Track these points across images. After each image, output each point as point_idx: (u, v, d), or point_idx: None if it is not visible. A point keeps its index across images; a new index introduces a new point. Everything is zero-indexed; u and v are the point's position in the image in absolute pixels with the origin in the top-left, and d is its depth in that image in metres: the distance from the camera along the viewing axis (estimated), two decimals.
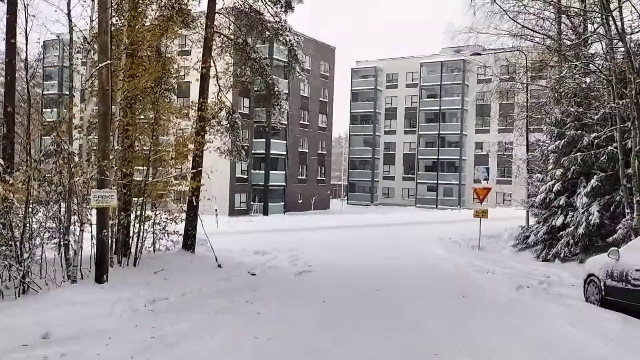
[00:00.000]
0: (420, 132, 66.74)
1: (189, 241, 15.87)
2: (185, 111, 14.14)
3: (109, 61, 9.16)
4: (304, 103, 55.80)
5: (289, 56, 17.00)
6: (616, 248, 9.43)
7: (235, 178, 48.67)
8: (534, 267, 17.06)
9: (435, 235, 26.45)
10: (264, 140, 50.48)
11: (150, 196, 13.59)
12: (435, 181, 64.78)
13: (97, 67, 9.17)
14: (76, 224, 9.82)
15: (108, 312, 8.37)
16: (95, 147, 11.40)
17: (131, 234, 13.60)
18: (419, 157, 66.83)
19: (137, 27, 12.05)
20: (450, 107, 64.90)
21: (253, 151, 50.33)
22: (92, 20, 9.51)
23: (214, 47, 16.49)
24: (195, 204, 15.12)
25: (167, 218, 15.64)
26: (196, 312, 9.04)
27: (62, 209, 9.84)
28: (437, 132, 65.06)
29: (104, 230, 9.71)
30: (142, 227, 13.16)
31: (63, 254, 10.04)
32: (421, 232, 29.60)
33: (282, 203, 52.30)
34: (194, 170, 14.59)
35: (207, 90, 15.67)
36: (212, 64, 16.40)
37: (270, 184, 50.70)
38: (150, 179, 13.17)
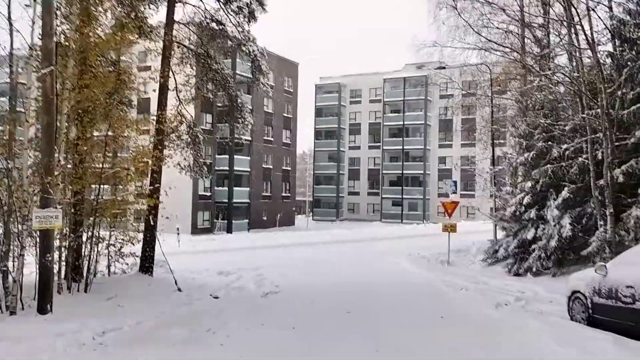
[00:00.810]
0: (384, 147, 66.82)
1: (146, 263, 14.83)
2: (143, 126, 13.18)
3: (51, 67, 8.24)
4: (267, 119, 55.06)
5: (252, 67, 16.30)
6: (603, 263, 8.96)
7: (198, 195, 47.34)
8: (507, 282, 16.65)
9: (403, 250, 26.02)
10: (227, 156, 49.40)
11: (103, 216, 12.54)
12: (400, 196, 64.78)
13: (40, 74, 8.24)
14: (16, 248, 8.75)
15: (48, 348, 7.36)
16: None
17: (83, 257, 12.53)
18: (384, 172, 66.83)
19: (87, 33, 11.12)
20: (413, 122, 65.29)
21: (216, 168, 49.14)
22: (33, 23, 8.60)
23: (173, 58, 15.66)
24: (152, 223, 14.12)
25: (122, 239, 14.66)
26: (152, 346, 8.08)
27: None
28: (401, 147, 65.26)
29: (48, 255, 8.70)
30: (93, 249, 12.09)
31: (1, 282, 8.94)
32: (389, 247, 29.15)
33: (247, 220, 51.15)
34: (151, 187, 13.60)
35: (165, 103, 14.80)
36: (171, 75, 15.55)
37: (234, 200, 49.53)
38: (102, 197, 12.12)
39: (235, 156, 49.55)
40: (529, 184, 18.11)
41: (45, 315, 8.70)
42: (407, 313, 11.20)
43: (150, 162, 13.32)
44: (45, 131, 8.54)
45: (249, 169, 51.37)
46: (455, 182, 23.90)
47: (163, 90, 14.79)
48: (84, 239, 12.43)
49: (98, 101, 11.66)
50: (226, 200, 49.20)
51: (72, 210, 12.00)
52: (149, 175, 14.73)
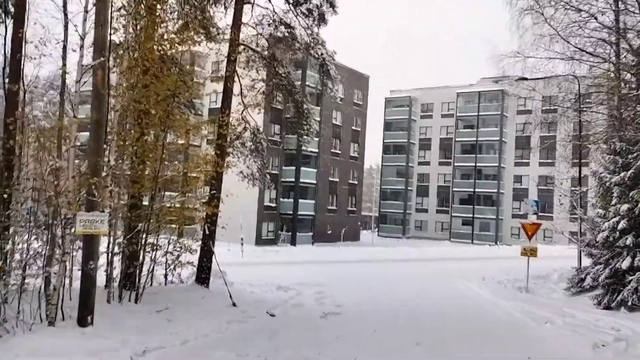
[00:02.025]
0: (455, 164, 64.29)
1: (202, 274, 14.14)
2: (205, 130, 12.52)
3: (102, 59, 7.64)
4: (336, 131, 54.32)
5: (320, 72, 15.41)
6: None
7: (263, 206, 47.12)
8: (597, 316, 14.64)
9: (475, 273, 24.16)
10: (294, 168, 48.97)
11: (158, 222, 11.93)
12: (471, 215, 61.90)
13: (90, 65, 7.66)
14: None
15: None
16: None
17: (137, 265, 11.96)
18: (454, 189, 64.20)
19: (149, 30, 10.59)
20: (488, 139, 62.36)
21: (282, 179, 48.85)
22: (86, 12, 8.06)
23: (239, 61, 15.05)
24: (207, 232, 13.41)
25: (180, 247, 14.07)
26: None
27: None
28: (473, 164, 62.48)
29: (91, 262, 8.04)
30: (144, 257, 11.47)
31: (44, 290, 8.37)
32: (460, 269, 27.28)
33: (311, 233, 50.37)
34: (210, 195, 12.90)
35: (229, 107, 14.14)
36: (236, 79, 14.92)
37: (299, 213, 48.93)
38: (159, 203, 11.50)
39: (302, 168, 49.03)
40: (625, 206, 16.00)
41: (85, 328, 8.03)
42: (487, 349, 9.74)
43: (210, 168, 12.61)
44: (94, 129, 7.96)
45: (315, 181, 50.68)
46: (536, 201, 21.94)
47: (227, 93, 14.17)
48: (139, 245, 11.85)
49: (157, 102, 11.08)
50: (291, 212, 48.69)
51: (128, 215, 11.47)
52: (209, 182, 14.08)
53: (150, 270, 13.51)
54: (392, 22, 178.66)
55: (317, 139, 50.37)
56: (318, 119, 49.87)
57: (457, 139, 64.42)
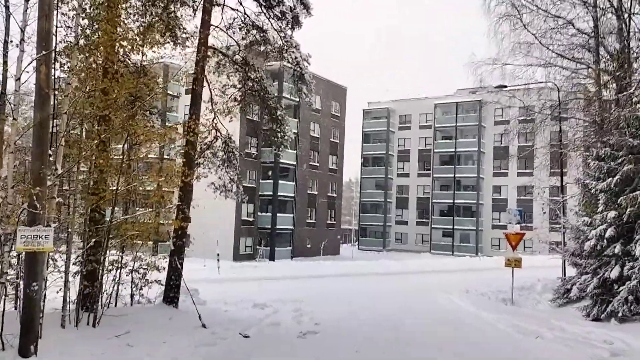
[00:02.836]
0: (434, 175, 64.06)
1: (171, 293, 13.15)
2: (171, 137, 11.62)
3: (45, 52, 6.74)
4: (314, 144, 53.64)
5: (294, 76, 14.67)
6: None
7: (240, 220, 46.06)
8: (587, 328, 14.03)
9: (457, 285, 23.52)
10: (271, 181, 48.07)
11: (120, 237, 10.96)
12: (451, 226, 61.57)
13: (32, 60, 6.77)
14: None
15: None
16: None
17: (96, 285, 10.95)
18: (434, 201, 63.90)
19: (107, 28, 9.73)
20: (466, 149, 62.37)
21: (260, 192, 47.90)
22: (27, 0, 7.18)
23: (208, 65, 14.23)
24: (174, 247, 12.46)
25: (147, 264, 13.11)
26: None
27: None
28: (452, 175, 62.35)
29: (34, 284, 7.08)
30: (105, 275, 10.49)
31: None
32: (441, 281, 26.60)
33: (290, 248, 49.38)
34: (172, 206, 11.97)
35: (198, 114, 13.27)
36: (205, 83, 14.08)
37: (278, 227, 47.93)
38: (120, 216, 10.55)
39: (279, 181, 48.17)
40: (612, 213, 15.50)
41: (27, 359, 7.02)
42: None
43: (176, 179, 11.70)
44: (37, 132, 7.04)
45: (293, 195, 49.81)
46: (520, 210, 21.36)
47: (195, 99, 13.31)
48: (98, 263, 10.86)
49: (117, 106, 10.18)
50: (269, 226, 47.68)
51: (85, 230, 10.49)
52: (178, 194, 13.16)
53: (113, 290, 12.54)
54: (381, 22, 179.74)
55: (294, 151, 49.69)
56: (295, 131, 49.31)
57: (435, 150, 64.30)
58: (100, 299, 10.86)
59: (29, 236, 6.95)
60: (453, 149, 62.74)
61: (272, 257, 46.54)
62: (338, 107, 57.44)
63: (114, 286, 12.74)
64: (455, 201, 61.86)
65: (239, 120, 43.83)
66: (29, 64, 7.10)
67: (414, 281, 27.35)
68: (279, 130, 14.50)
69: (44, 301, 8.55)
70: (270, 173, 48.53)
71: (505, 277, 24.21)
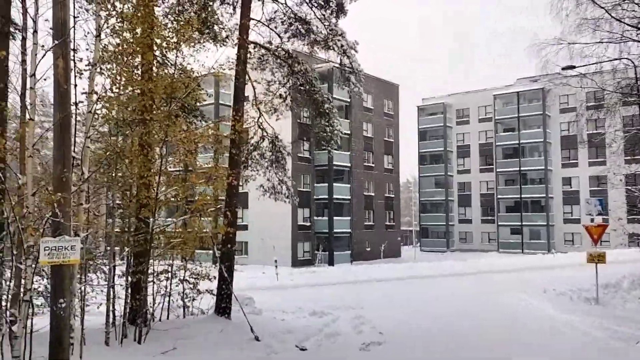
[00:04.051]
0: (498, 170, 61.18)
1: (222, 303, 12.38)
2: (214, 137, 10.85)
3: (57, 42, 6.04)
4: (367, 144, 52.35)
5: (341, 66, 13.63)
6: None
7: (297, 226, 45.39)
8: None
9: (532, 285, 21.68)
10: (326, 184, 47.16)
11: (167, 246, 10.28)
12: (519, 223, 58.50)
13: (46, 52, 6.09)
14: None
15: None
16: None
17: (140, 297, 10.32)
18: (499, 196, 61.01)
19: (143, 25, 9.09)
20: (531, 141, 59.13)
21: (315, 196, 47.10)
22: None
23: (250, 61, 13.44)
24: (223, 254, 11.68)
25: (197, 274, 12.44)
26: None
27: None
28: (517, 169, 59.27)
29: (61, 301, 6.37)
30: (149, 287, 9.81)
31: (8, 337, 6.72)
32: (513, 281, 24.71)
33: (349, 251, 48.22)
34: (224, 211, 11.18)
35: (241, 112, 12.46)
36: (248, 81, 13.29)
37: (335, 230, 46.92)
38: (161, 223, 9.85)
39: (334, 184, 47.19)
40: None
41: None
42: None
43: (219, 182, 10.92)
44: (58, 132, 6.36)
45: (349, 197, 48.70)
46: (600, 200, 19.30)
47: (238, 97, 12.53)
48: (142, 273, 10.21)
49: (154, 107, 9.50)
50: (327, 231, 46.76)
51: (128, 240, 9.86)
52: (225, 198, 12.41)
53: (163, 301, 11.94)
54: (425, 10, 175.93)
55: (347, 153, 48.64)
56: (348, 131, 48.23)
57: (497, 144, 61.44)
58: (145, 312, 10.20)
59: (53, 248, 6.27)
60: (517, 141, 59.70)
61: (330, 262, 45.60)
62: (390, 105, 55.94)
63: (164, 298, 12.16)
64: (522, 196, 58.76)
65: (290, 124, 43.39)
66: (42, 57, 6.47)
67: (484, 282, 25.60)
68: (327, 124, 13.51)
69: (81, 317, 7.88)
70: (324, 176, 47.66)
71: (584, 274, 22.24)
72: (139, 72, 10.14)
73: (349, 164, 48.89)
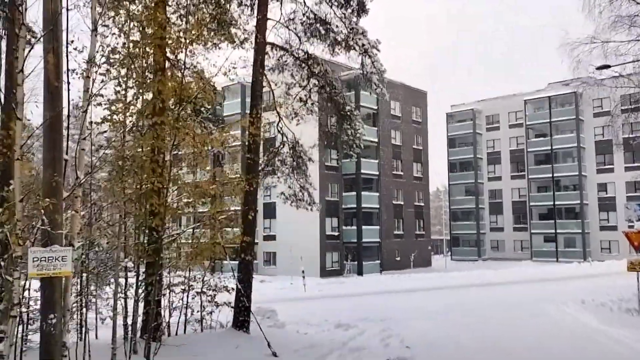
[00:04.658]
0: (530, 176, 59.39)
1: (240, 316, 11.78)
2: (226, 140, 10.29)
3: (44, 32, 5.56)
4: (396, 152, 51.41)
5: (362, 65, 12.98)
6: None
7: (325, 235, 44.68)
8: None
9: (569, 295, 20.53)
10: (354, 193, 46.39)
11: (175, 257, 9.75)
12: (553, 230, 56.55)
13: (32, 45, 5.65)
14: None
15: None
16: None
17: (150, 312, 9.80)
18: (531, 204, 59.17)
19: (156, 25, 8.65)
20: (563, 146, 57.24)
21: (343, 206, 46.39)
22: None
23: (268, 63, 12.93)
24: (241, 264, 11.07)
25: (215, 286, 11.94)
26: None
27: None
28: (550, 175, 57.41)
29: (51, 316, 5.85)
30: (157, 299, 9.28)
31: None
32: (549, 291, 23.57)
33: (378, 261, 47.23)
34: (243, 218, 10.59)
35: (259, 115, 11.92)
36: (266, 83, 12.76)
37: (364, 240, 46.02)
38: (169, 233, 9.32)
39: (362, 192, 46.37)
40: None
41: None
42: None
43: (236, 188, 10.36)
44: (48, 133, 5.90)
45: (378, 206, 47.79)
46: None
47: (255, 100, 12.03)
48: (153, 285, 9.69)
49: (163, 109, 9.02)
50: (355, 240, 45.93)
51: (145, 247, 9.38)
52: (241, 206, 11.86)
53: (180, 314, 11.44)
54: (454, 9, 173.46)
55: (375, 161, 47.80)
56: (375, 139, 47.44)
57: (529, 150, 59.71)
58: (157, 327, 9.66)
59: (43, 258, 5.78)
60: (549, 147, 57.89)
61: (359, 272, 44.71)
62: (419, 112, 54.95)
63: (182, 310, 11.68)
64: (556, 203, 56.83)
65: (316, 132, 42.78)
66: (29, 51, 6.01)
67: (517, 292, 24.46)
68: (348, 127, 12.86)
69: (84, 332, 7.36)
70: (352, 185, 46.92)
71: (623, 283, 21.06)
72: (149, 74, 9.72)
73: (377, 173, 48.07)
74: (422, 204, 54.42)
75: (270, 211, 46.08)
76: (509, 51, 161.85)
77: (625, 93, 27.15)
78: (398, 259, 49.80)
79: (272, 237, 47.23)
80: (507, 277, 33.08)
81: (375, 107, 48.37)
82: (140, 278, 9.83)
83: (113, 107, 8.48)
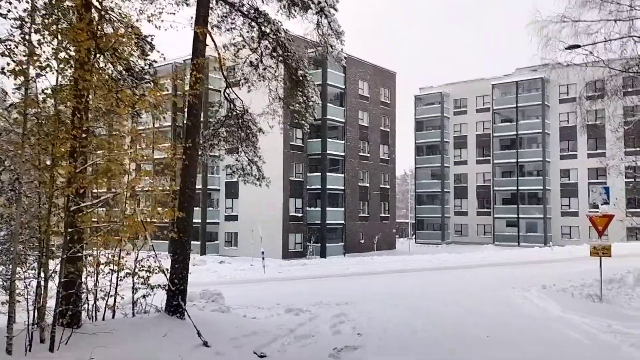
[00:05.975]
0: (495, 161, 59.44)
1: (174, 300, 10.58)
2: (157, 100, 8.93)
3: None
4: (363, 133, 50.52)
5: (318, 25, 11.70)
6: None
7: (288, 216, 43.67)
8: None
9: (530, 280, 20.00)
10: (319, 174, 45.37)
11: (88, 233, 8.50)
12: (516, 215, 56.88)
13: None
14: None
15: None
16: None
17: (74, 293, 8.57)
18: (495, 188, 59.33)
19: None
20: (529, 132, 57.37)
21: (308, 186, 45.37)
22: None
23: (211, 16, 11.61)
24: (178, 244, 9.88)
25: (149, 267, 10.73)
26: None
27: None
28: (515, 160, 57.55)
29: None
30: (60, 279, 8.03)
31: None
32: (511, 276, 23.07)
33: (342, 243, 46.53)
34: (177, 191, 9.38)
35: (201, 66, 10.59)
36: (211, 44, 11.45)
37: (328, 222, 45.20)
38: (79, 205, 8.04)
39: (328, 173, 45.39)
40: None
41: None
42: None
43: (167, 154, 9.11)
44: None
45: (343, 187, 46.93)
46: (607, 188, 17.60)
47: (197, 56, 10.68)
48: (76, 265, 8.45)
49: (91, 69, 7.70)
50: (319, 222, 45.03)
51: (60, 217, 8.13)
52: (180, 177, 10.60)
53: (105, 298, 10.21)
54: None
55: (342, 142, 46.78)
56: (342, 119, 46.35)
57: (495, 134, 59.68)
58: (73, 312, 8.43)
59: None
60: (514, 132, 57.97)
61: (323, 254, 43.94)
62: (388, 94, 54.09)
63: (110, 294, 10.43)
64: (519, 188, 57.10)
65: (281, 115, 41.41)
66: None
67: (479, 276, 23.93)
68: (300, 93, 11.67)
69: None
70: (317, 165, 45.89)
71: (585, 268, 20.71)
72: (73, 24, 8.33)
73: (344, 153, 47.16)
74: (388, 187, 53.88)
75: (233, 191, 44.77)
76: (481, 34, 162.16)
77: (591, 80, 26.67)
78: (362, 241, 49.23)
79: (234, 218, 45.96)
80: (470, 261, 32.68)
81: (343, 87, 47.22)
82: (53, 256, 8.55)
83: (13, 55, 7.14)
